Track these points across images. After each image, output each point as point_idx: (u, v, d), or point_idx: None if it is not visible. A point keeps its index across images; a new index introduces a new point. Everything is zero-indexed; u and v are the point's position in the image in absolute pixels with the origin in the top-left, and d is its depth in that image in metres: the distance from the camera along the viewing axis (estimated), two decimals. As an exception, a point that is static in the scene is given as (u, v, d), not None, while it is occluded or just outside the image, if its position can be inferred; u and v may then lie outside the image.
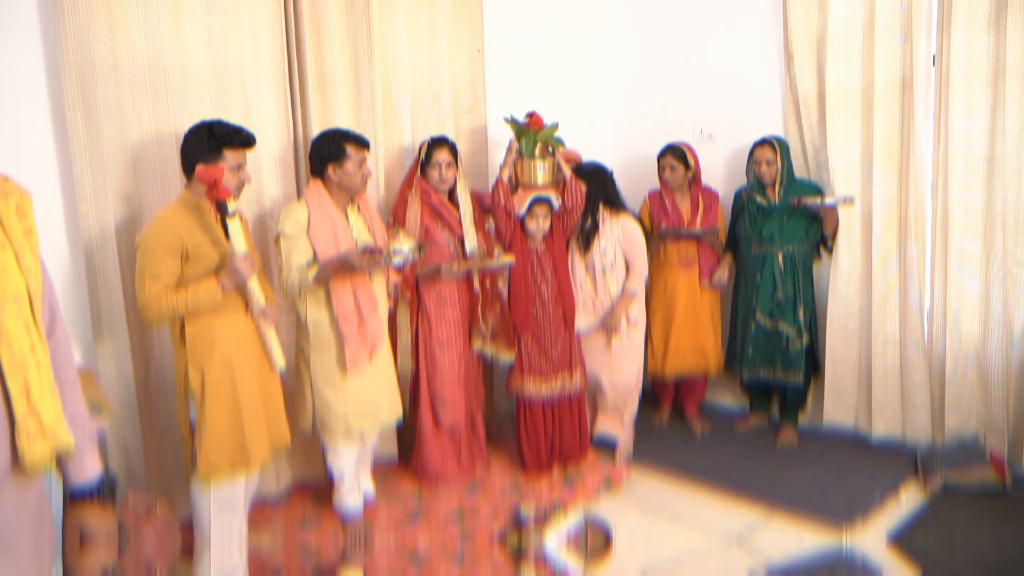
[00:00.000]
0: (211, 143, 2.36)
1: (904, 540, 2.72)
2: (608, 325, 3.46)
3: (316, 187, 2.76)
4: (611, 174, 3.57)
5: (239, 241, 2.33)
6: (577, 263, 3.46)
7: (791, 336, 3.52)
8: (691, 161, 3.72)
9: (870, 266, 3.44)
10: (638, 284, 3.48)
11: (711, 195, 3.81)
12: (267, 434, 2.50)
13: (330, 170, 2.74)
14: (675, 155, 3.70)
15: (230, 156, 2.38)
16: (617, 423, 3.58)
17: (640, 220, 3.69)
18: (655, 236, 3.76)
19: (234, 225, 2.31)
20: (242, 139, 2.42)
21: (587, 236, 3.44)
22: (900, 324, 3.39)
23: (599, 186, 3.45)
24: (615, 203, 3.51)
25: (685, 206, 3.76)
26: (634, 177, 4.31)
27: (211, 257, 2.36)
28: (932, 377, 3.33)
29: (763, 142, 3.53)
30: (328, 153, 2.73)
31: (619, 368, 3.50)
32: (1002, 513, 2.86)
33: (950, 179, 3.14)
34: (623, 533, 2.87)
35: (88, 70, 2.50)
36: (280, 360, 2.54)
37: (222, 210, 2.28)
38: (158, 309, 2.27)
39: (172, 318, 2.33)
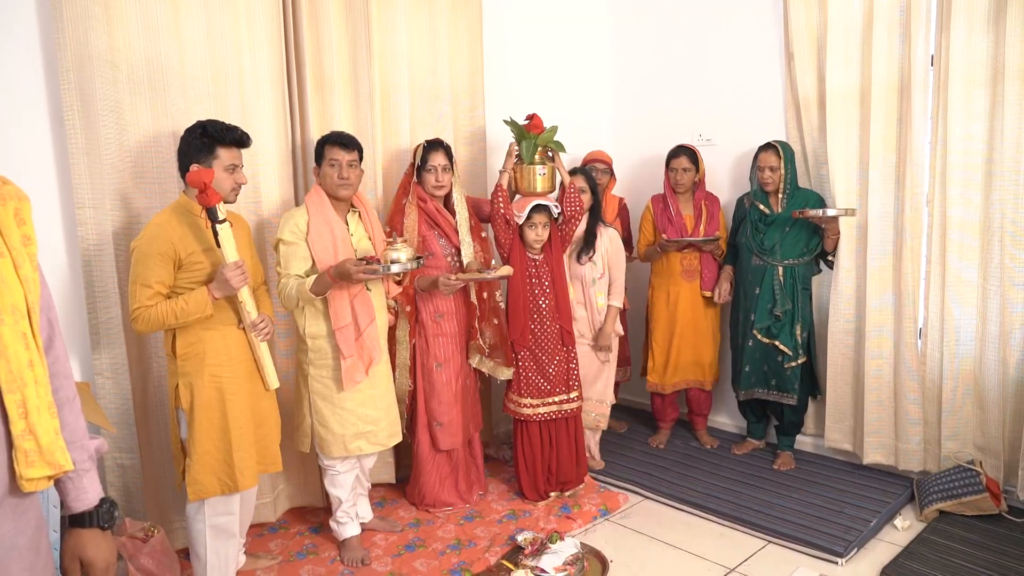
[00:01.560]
0: (204, 141, 2.35)
1: (899, 570, 2.71)
2: (601, 345, 3.49)
3: (317, 192, 2.77)
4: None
5: (230, 248, 2.30)
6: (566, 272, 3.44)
7: (787, 355, 3.53)
8: (700, 163, 3.74)
9: (867, 284, 3.42)
10: (620, 299, 3.52)
11: (713, 200, 3.80)
12: (256, 457, 2.49)
13: (314, 173, 2.78)
14: (689, 157, 3.70)
15: (224, 155, 2.37)
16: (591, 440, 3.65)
17: (622, 227, 3.73)
18: (656, 245, 3.75)
19: (224, 231, 2.28)
20: (236, 137, 2.40)
21: (587, 246, 3.43)
22: (895, 344, 3.38)
23: (598, 195, 3.48)
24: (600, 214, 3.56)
25: (688, 212, 3.77)
26: (633, 181, 4.35)
27: (204, 265, 2.34)
28: (927, 402, 3.32)
29: (767, 146, 3.52)
30: (315, 157, 2.79)
31: (601, 381, 3.56)
32: (998, 540, 2.85)
33: (948, 191, 3.13)
34: (620, 561, 2.87)
35: (86, 67, 2.47)
36: (273, 379, 2.53)
37: (212, 216, 2.26)
38: (147, 318, 2.27)
39: (163, 328, 2.32)
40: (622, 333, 3.62)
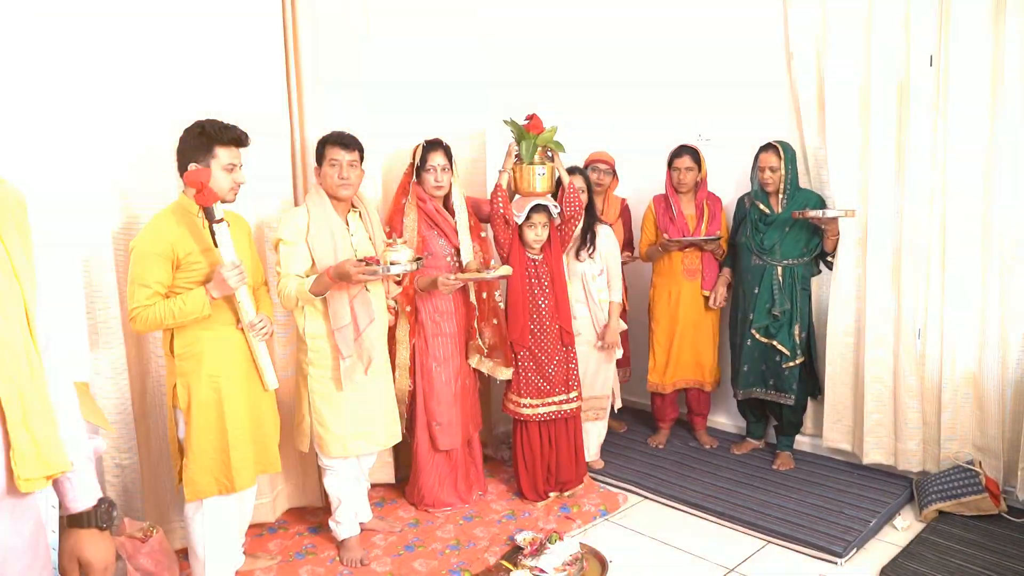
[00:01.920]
0: (202, 140, 2.34)
1: (899, 571, 2.71)
2: (608, 343, 3.50)
3: (317, 192, 2.77)
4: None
5: (227, 248, 2.30)
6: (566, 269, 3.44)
7: (785, 355, 3.53)
8: (703, 163, 3.74)
9: (866, 284, 3.41)
10: (619, 294, 3.55)
11: (715, 200, 3.80)
12: (254, 458, 2.49)
13: (315, 173, 2.78)
14: (692, 156, 3.70)
15: (222, 154, 2.36)
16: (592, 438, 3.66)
17: (624, 228, 3.77)
18: (658, 245, 3.75)
19: (222, 231, 2.28)
20: (234, 136, 2.39)
21: (588, 243, 3.44)
22: (894, 344, 3.37)
23: (591, 194, 3.50)
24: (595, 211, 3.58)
25: (690, 211, 3.77)
26: (633, 182, 4.34)
27: (202, 265, 2.34)
28: (926, 402, 3.32)
29: (768, 147, 3.52)
30: (316, 157, 2.79)
31: (603, 378, 3.58)
32: (997, 540, 2.85)
33: (947, 191, 3.12)
34: (620, 561, 2.86)
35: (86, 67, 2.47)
36: (272, 379, 2.52)
37: (209, 215, 2.26)
38: (145, 318, 2.26)
39: (161, 328, 2.32)
40: (626, 327, 3.64)
